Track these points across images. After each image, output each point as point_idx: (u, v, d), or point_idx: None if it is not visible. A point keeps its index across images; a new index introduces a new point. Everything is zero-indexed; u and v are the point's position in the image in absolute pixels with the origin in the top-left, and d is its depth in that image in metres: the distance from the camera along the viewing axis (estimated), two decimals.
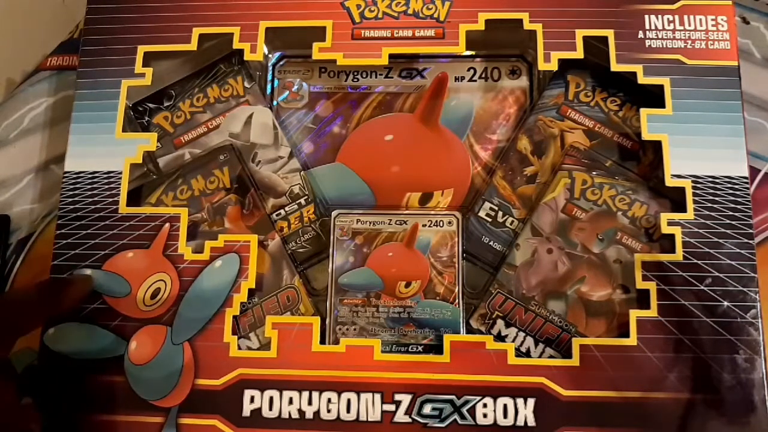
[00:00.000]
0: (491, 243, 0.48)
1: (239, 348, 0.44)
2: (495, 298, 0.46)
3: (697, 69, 0.46)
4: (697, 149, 0.45)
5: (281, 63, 0.53)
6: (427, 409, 0.42)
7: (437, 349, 0.44)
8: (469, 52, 0.50)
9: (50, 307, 0.42)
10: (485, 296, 0.46)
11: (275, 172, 0.50)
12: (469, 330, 0.46)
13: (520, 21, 0.47)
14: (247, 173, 0.49)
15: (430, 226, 0.47)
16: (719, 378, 0.41)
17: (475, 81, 0.52)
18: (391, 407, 0.42)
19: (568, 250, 0.46)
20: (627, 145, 0.48)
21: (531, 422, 0.41)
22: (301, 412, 0.42)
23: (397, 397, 0.42)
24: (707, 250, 0.43)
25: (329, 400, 0.42)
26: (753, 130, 0.50)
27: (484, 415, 0.42)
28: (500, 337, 0.45)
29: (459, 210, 0.48)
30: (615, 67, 0.46)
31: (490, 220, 0.48)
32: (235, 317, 0.44)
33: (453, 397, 0.42)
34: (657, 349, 0.42)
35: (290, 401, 0.43)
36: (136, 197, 0.48)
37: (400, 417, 0.42)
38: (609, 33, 0.46)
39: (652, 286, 0.43)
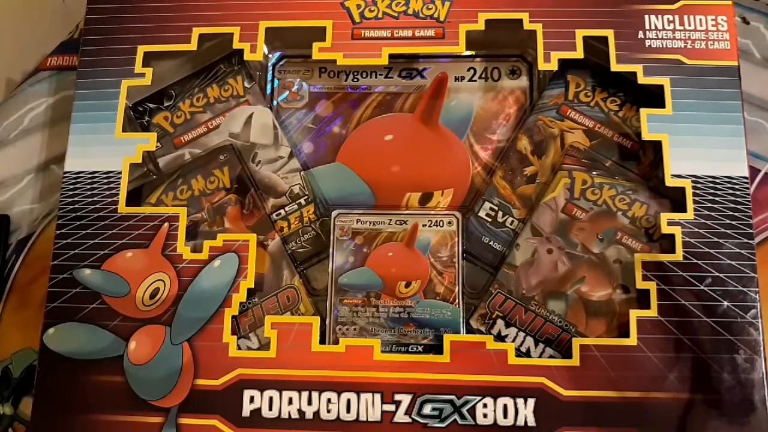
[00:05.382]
0: (491, 243, 0.48)
1: (239, 348, 0.44)
2: (495, 298, 0.46)
3: (697, 69, 0.46)
4: (697, 149, 0.44)
5: (281, 63, 0.53)
6: (427, 409, 0.42)
7: (437, 349, 0.44)
8: (469, 52, 0.50)
9: None
10: (485, 296, 0.46)
11: (275, 172, 0.50)
12: (469, 330, 0.46)
13: (520, 21, 0.47)
14: (247, 173, 0.49)
15: (430, 226, 0.47)
16: (719, 378, 0.41)
17: (475, 81, 0.52)
18: (391, 407, 0.42)
19: (568, 250, 0.46)
20: (627, 145, 0.48)
21: (531, 422, 0.41)
22: (300, 412, 0.42)
23: (397, 397, 0.42)
24: (707, 250, 0.43)
25: (329, 400, 0.42)
26: (753, 130, 0.50)
27: (484, 415, 0.42)
28: (500, 337, 0.45)
29: (459, 210, 0.48)
30: (615, 67, 0.46)
31: (490, 220, 0.48)
32: (234, 317, 0.44)
33: (453, 397, 0.42)
34: (657, 349, 0.42)
35: (290, 401, 0.42)
36: (136, 197, 0.48)
37: (400, 417, 0.42)
38: (609, 33, 0.46)
39: (652, 286, 0.43)
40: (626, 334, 0.42)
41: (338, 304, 0.47)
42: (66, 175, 0.47)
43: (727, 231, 0.43)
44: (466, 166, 0.50)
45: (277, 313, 0.46)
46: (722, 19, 0.47)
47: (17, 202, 0.54)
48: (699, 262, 0.43)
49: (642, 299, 0.43)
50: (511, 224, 0.48)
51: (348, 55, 0.48)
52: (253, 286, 0.45)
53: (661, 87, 0.45)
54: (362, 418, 0.42)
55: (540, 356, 0.45)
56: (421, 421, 0.42)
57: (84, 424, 0.43)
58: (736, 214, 0.43)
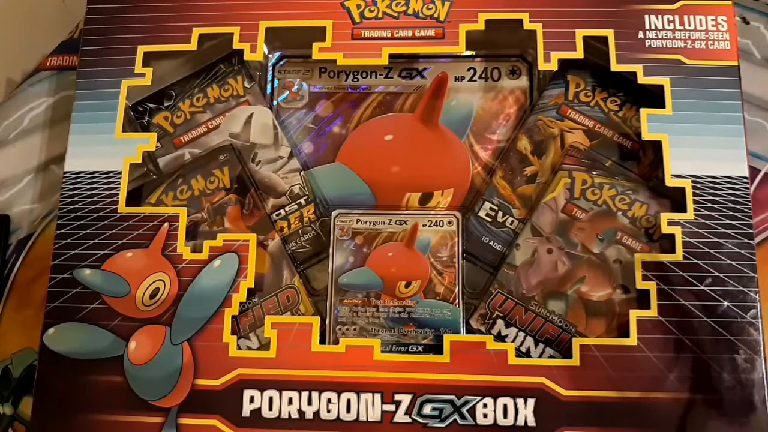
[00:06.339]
0: (491, 243, 0.48)
1: (239, 348, 0.44)
2: (495, 298, 0.46)
3: (697, 69, 0.46)
4: (697, 149, 0.45)
5: (281, 63, 0.53)
6: (427, 409, 0.42)
7: (437, 349, 0.44)
8: (469, 52, 0.50)
9: None
10: (485, 296, 0.46)
11: (275, 172, 0.50)
12: (469, 330, 0.46)
13: (520, 21, 0.47)
14: (247, 173, 0.49)
15: (430, 226, 0.47)
16: (719, 378, 0.41)
17: (475, 81, 0.52)
18: (391, 407, 0.42)
19: (568, 250, 0.46)
20: (627, 145, 0.48)
21: (531, 422, 0.41)
22: (300, 412, 0.42)
23: (397, 397, 0.42)
24: (707, 250, 0.43)
25: (329, 400, 0.42)
26: (753, 130, 0.50)
27: (484, 415, 0.42)
28: (500, 337, 0.45)
29: (459, 210, 0.48)
30: (615, 67, 0.46)
31: (490, 220, 0.48)
32: (234, 317, 0.44)
33: (453, 397, 0.42)
34: (657, 349, 0.42)
35: (290, 401, 0.42)
36: (136, 197, 0.48)
37: (400, 417, 0.42)
38: (609, 33, 0.46)
39: (652, 286, 0.43)
40: (626, 334, 0.42)
41: (338, 304, 0.47)
42: (66, 175, 0.47)
43: (727, 231, 0.43)
44: (466, 166, 0.50)
45: (277, 313, 0.46)
46: (722, 19, 0.47)
47: (17, 202, 0.54)
48: (699, 262, 0.43)
49: (642, 299, 0.43)
50: (511, 224, 0.48)
51: (348, 55, 0.48)
52: (253, 286, 0.45)
53: (661, 87, 0.45)
54: (362, 418, 0.42)
55: (540, 356, 0.45)
56: (421, 421, 0.42)
57: (84, 424, 0.43)
58: (736, 214, 0.43)
